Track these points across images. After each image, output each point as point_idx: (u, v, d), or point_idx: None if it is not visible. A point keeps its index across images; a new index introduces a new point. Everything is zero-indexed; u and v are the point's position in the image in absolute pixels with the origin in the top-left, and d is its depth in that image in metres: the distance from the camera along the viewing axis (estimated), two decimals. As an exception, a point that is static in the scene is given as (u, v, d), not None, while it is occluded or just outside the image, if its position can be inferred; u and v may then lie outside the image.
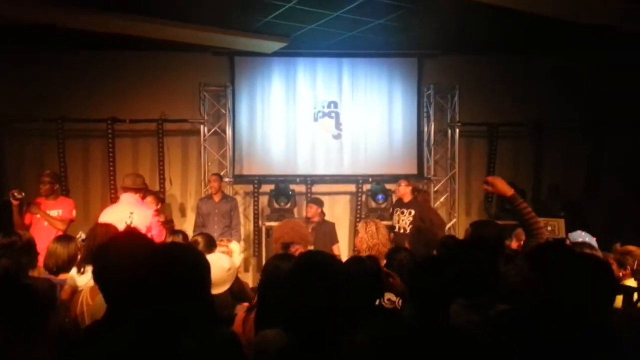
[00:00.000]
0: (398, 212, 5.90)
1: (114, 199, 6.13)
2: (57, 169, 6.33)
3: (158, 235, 4.24)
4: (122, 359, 1.47)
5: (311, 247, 4.39)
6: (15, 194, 4.89)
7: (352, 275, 2.23)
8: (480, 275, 2.31)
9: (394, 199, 7.20)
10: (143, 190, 4.55)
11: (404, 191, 5.89)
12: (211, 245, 3.60)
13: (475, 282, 2.27)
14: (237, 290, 3.06)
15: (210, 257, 3.12)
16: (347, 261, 2.68)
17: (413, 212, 5.74)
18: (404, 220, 5.74)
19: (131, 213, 4.14)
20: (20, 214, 4.94)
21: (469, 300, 2.25)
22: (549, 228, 4.83)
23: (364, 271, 2.42)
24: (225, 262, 2.87)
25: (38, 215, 5.02)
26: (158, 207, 5.39)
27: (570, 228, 4.64)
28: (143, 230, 3.79)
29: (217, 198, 6.36)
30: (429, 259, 2.56)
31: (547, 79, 7.35)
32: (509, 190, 2.74)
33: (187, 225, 6.73)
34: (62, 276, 3.16)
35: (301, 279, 2.00)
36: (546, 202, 7.06)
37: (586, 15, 5.01)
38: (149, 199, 5.35)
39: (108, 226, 3.24)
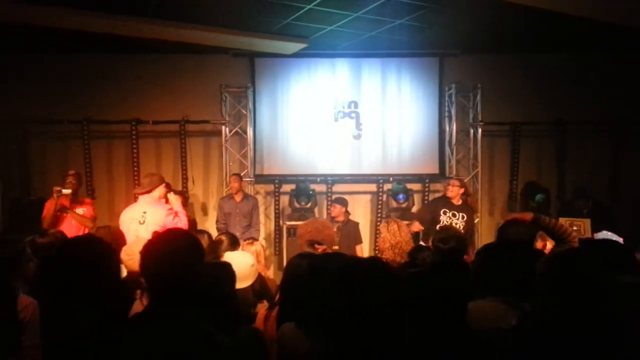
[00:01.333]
0: (449, 214, 5.58)
1: (137, 199, 6.22)
2: (82, 169, 6.47)
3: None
4: (164, 350, 1.56)
5: (336, 248, 4.40)
6: (62, 190, 4.97)
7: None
8: (512, 276, 2.27)
9: (415, 199, 7.17)
10: (156, 189, 4.44)
11: (457, 193, 5.59)
12: (235, 243, 3.64)
13: (510, 282, 2.23)
14: (259, 287, 3.10)
15: (234, 254, 3.18)
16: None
17: (465, 217, 5.55)
18: (458, 225, 5.47)
19: (144, 212, 4.26)
20: (58, 211, 5.03)
21: (507, 300, 2.21)
22: (575, 228, 4.76)
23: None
24: (250, 259, 2.94)
25: (65, 214, 5.13)
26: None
27: (596, 229, 4.57)
28: (157, 229, 3.83)
29: (238, 198, 6.41)
30: (445, 261, 2.55)
31: (570, 78, 7.22)
32: (527, 216, 3.00)
33: (209, 224, 6.81)
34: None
35: (319, 281, 2.02)
36: (572, 202, 6.93)
37: (610, 14, 4.92)
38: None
39: (110, 228, 3.49)
